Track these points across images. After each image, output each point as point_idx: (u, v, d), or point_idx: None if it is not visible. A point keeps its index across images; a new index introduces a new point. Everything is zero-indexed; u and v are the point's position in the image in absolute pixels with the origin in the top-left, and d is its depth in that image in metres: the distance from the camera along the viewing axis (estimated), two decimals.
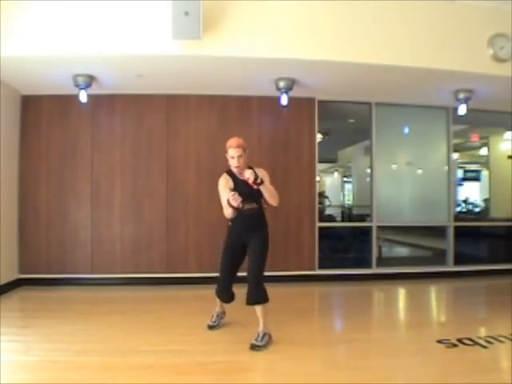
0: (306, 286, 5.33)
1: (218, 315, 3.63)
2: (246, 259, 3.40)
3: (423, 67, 4.32)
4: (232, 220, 3.33)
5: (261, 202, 3.33)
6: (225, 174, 3.33)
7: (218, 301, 3.60)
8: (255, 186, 3.09)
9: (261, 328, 3.21)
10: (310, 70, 4.51)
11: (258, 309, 3.23)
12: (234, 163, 3.22)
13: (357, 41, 4.16)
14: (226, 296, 3.50)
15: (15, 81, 4.80)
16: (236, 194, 3.01)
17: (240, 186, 3.18)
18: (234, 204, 3.01)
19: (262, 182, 3.09)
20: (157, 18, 3.90)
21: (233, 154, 3.20)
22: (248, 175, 3.04)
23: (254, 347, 3.10)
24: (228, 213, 3.17)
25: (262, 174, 3.23)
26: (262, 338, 3.16)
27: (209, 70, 4.53)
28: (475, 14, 4.37)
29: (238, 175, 3.24)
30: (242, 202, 3.09)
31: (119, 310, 4.24)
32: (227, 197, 3.06)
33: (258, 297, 3.20)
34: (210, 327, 3.58)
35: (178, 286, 5.09)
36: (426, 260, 6.83)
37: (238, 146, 3.20)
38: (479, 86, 4.95)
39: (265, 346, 3.14)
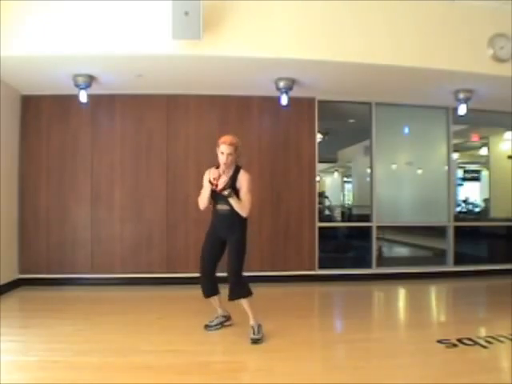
0: (306, 286, 5.32)
1: (217, 317, 3.61)
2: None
3: (423, 67, 4.32)
4: (212, 215, 3.44)
5: None
6: (212, 169, 3.33)
7: (215, 303, 3.60)
8: (224, 193, 3.16)
9: (252, 321, 3.31)
10: (310, 70, 4.51)
11: (243, 302, 3.34)
12: (222, 159, 3.24)
13: (357, 41, 4.16)
14: (205, 286, 3.50)
15: (15, 81, 4.80)
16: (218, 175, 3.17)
17: None
18: (213, 180, 3.15)
19: (228, 196, 3.16)
20: (157, 17, 3.90)
21: (223, 151, 3.23)
22: (220, 182, 3.13)
23: (255, 341, 3.20)
24: (201, 202, 3.36)
25: (242, 180, 3.27)
26: (258, 331, 3.27)
27: (209, 69, 4.53)
28: (475, 14, 4.37)
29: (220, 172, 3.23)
30: (216, 202, 3.29)
31: (119, 310, 4.24)
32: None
33: (238, 293, 3.31)
34: (205, 327, 3.56)
35: (178, 286, 5.07)
36: (426, 260, 6.82)
37: (231, 144, 3.24)
38: (479, 86, 4.95)
39: (262, 338, 3.24)
